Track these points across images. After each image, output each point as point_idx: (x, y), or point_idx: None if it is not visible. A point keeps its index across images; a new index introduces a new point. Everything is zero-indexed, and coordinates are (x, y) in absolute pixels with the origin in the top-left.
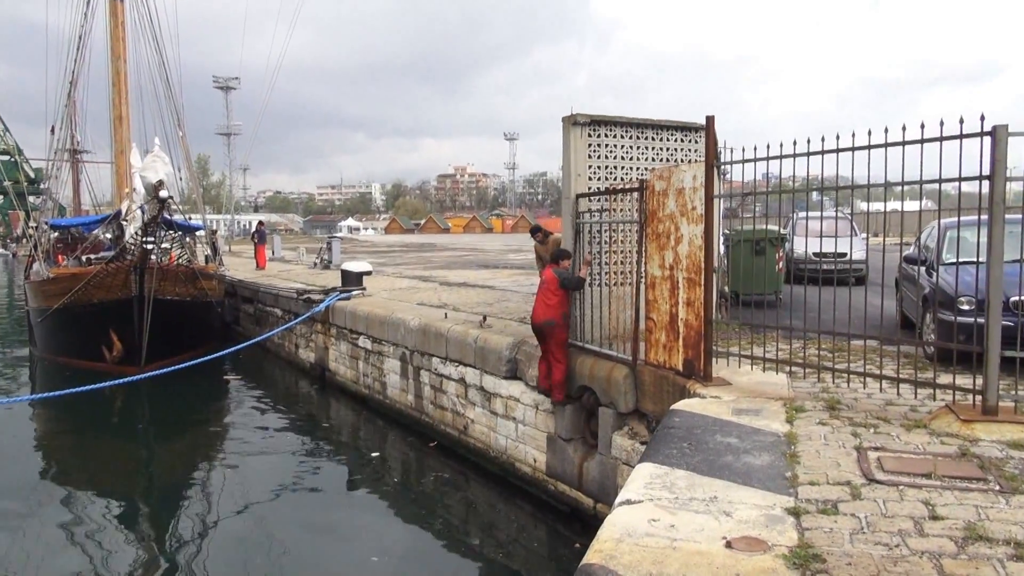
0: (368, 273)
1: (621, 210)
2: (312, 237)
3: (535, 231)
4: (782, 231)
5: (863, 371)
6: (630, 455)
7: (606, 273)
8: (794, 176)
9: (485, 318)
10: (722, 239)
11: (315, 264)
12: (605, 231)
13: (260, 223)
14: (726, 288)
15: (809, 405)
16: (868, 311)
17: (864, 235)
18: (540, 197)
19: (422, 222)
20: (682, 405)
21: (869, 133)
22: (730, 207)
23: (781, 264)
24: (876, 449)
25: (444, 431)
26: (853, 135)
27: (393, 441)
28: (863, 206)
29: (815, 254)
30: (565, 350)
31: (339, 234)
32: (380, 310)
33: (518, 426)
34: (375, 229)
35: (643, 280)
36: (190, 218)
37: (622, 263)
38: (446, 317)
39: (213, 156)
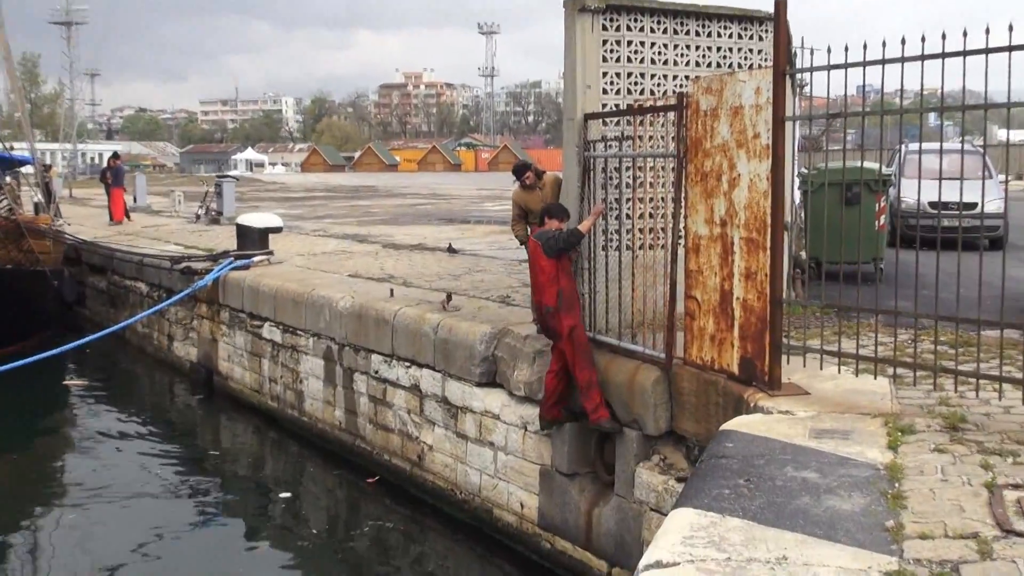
0: (277, 230)
1: (651, 138)
2: (193, 177)
3: (522, 169)
4: (885, 171)
5: (999, 375)
6: (662, 497)
7: (627, 232)
8: (902, 90)
9: (450, 297)
10: (798, 182)
11: (198, 217)
12: (627, 169)
13: (115, 156)
14: (803, 254)
15: (921, 423)
16: (1007, 288)
17: (1002, 177)
18: (531, 119)
19: (356, 155)
20: (738, 424)
21: (1010, 28)
22: (810, 135)
23: (883, 219)
24: (1016, 487)
25: (389, 462)
26: (987, 31)
27: (313, 475)
28: (1001, 134)
29: (932, 204)
30: (571, 346)
31: (233, 172)
32: (294, 285)
33: (498, 455)
34: (287, 165)
35: (682, 241)
36: (11, 147)
37: (651, 217)
38: (392, 295)
39: (45, 56)
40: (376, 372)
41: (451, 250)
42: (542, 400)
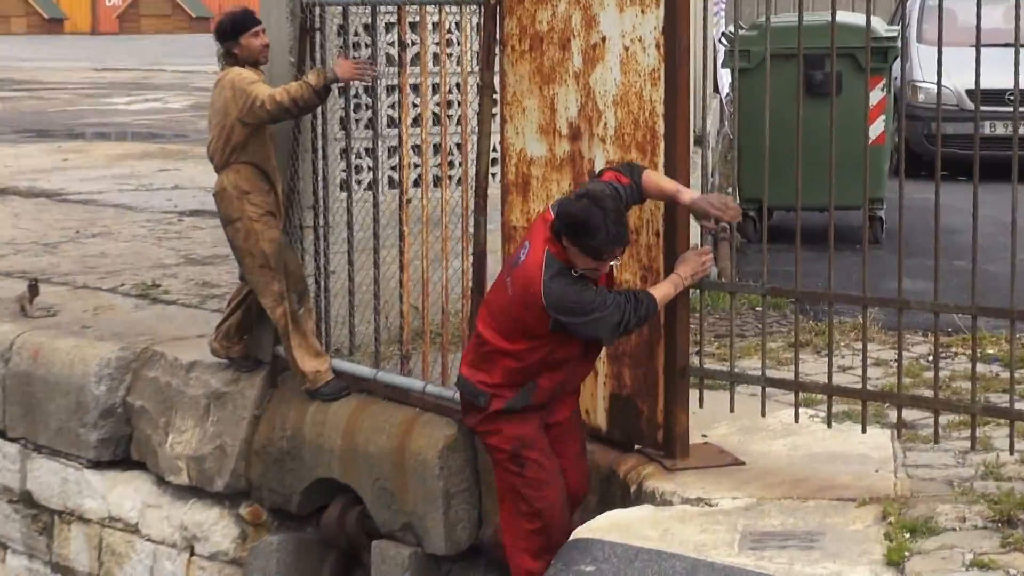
0: None
1: None
2: None
3: (248, 21)
4: (886, 31)
5: None
6: None
7: (390, 153)
8: None
9: (35, 288)
10: (721, 53)
11: None
12: (386, 32)
13: None
14: (731, 192)
15: (948, 515)
16: None
17: None
18: None
19: None
20: (605, 527)
21: None
22: None
23: (881, 124)
24: None
25: None
26: None
27: None
28: None
29: (971, 94)
30: (519, 482)
31: None
32: None
33: None
34: None
35: (495, 171)
36: None
37: (436, 124)
38: None
39: None
40: None
41: None
42: None
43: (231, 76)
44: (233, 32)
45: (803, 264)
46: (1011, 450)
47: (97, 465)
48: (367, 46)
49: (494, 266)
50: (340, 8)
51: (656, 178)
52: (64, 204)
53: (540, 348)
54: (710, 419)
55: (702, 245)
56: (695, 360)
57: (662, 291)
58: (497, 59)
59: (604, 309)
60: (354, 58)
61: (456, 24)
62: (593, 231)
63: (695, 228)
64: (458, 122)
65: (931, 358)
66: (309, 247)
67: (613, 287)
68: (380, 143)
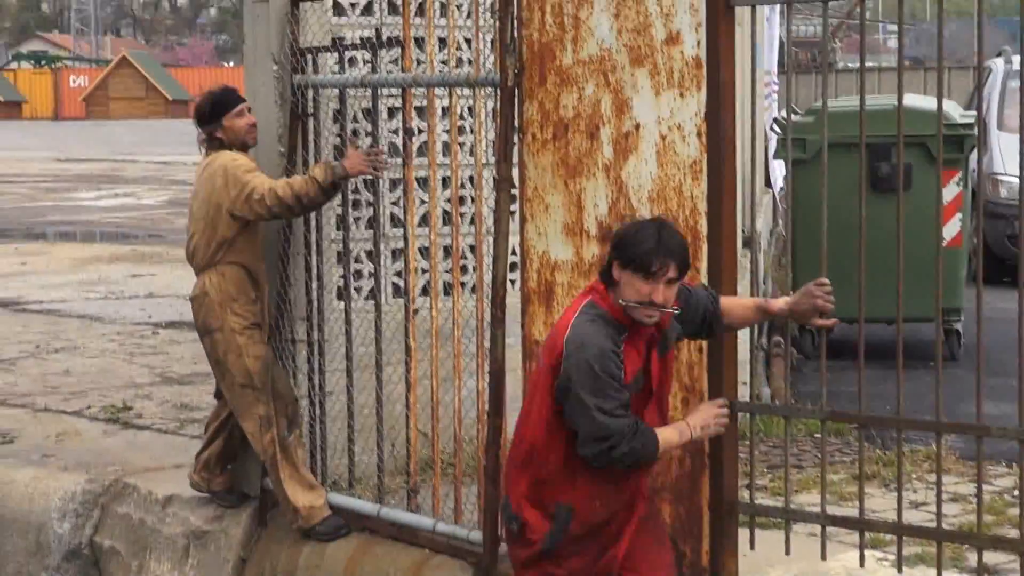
0: None
1: (441, 45)
2: None
3: (231, 100)
4: (961, 116)
5: None
6: None
7: (393, 258)
8: None
9: None
10: (773, 142)
11: None
12: (389, 118)
13: None
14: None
15: None
16: None
17: None
18: (184, 3)
19: None
20: None
21: None
22: (800, 34)
23: (957, 223)
24: None
25: None
26: None
27: None
28: None
29: None
30: None
31: None
32: None
33: None
34: None
35: (515, 277)
36: None
37: (446, 223)
38: None
39: None
40: None
41: None
42: None
43: (222, 160)
44: (214, 114)
45: (868, 384)
46: None
47: None
48: (367, 133)
49: (513, 386)
50: (336, 91)
51: (735, 300)
52: (22, 314)
53: (558, 443)
54: (763, 562)
55: (752, 362)
56: (745, 495)
57: (665, 435)
58: (516, 149)
59: (606, 404)
60: (359, 149)
61: (469, 109)
62: (643, 239)
63: (744, 342)
64: (471, 221)
65: (1016, 492)
66: (302, 364)
67: (669, 377)
68: (383, 245)
